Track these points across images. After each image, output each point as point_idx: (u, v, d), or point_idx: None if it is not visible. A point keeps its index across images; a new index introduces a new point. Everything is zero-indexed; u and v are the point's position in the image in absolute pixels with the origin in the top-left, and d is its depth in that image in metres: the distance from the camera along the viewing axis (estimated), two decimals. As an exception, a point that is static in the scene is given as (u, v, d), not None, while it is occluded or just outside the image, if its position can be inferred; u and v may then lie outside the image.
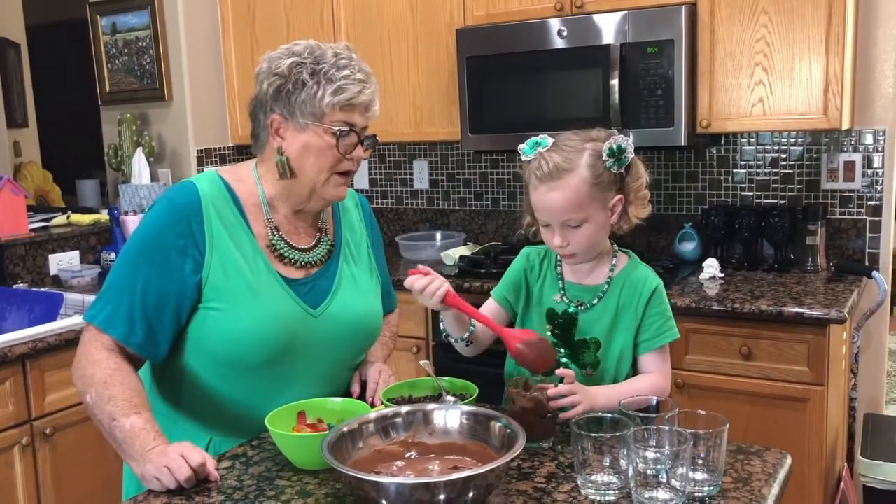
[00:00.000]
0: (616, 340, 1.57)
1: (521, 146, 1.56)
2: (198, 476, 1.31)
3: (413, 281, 1.47)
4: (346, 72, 1.48)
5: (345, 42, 1.58)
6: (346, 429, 1.29)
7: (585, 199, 1.50)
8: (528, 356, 1.46)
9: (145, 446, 1.34)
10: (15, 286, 2.89)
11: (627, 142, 1.51)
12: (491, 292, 1.70)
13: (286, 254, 1.55)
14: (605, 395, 1.47)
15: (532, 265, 1.66)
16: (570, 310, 1.55)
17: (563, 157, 1.50)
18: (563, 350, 1.53)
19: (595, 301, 1.58)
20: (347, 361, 1.64)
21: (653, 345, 1.57)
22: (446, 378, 1.58)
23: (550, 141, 1.53)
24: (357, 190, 3.80)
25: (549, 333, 1.55)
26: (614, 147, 1.49)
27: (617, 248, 1.63)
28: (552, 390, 1.41)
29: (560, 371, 1.46)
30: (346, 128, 1.49)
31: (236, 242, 1.50)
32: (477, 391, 1.53)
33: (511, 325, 1.66)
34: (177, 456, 1.31)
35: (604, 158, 1.49)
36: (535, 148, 1.53)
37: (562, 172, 1.49)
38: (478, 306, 1.60)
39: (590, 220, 1.51)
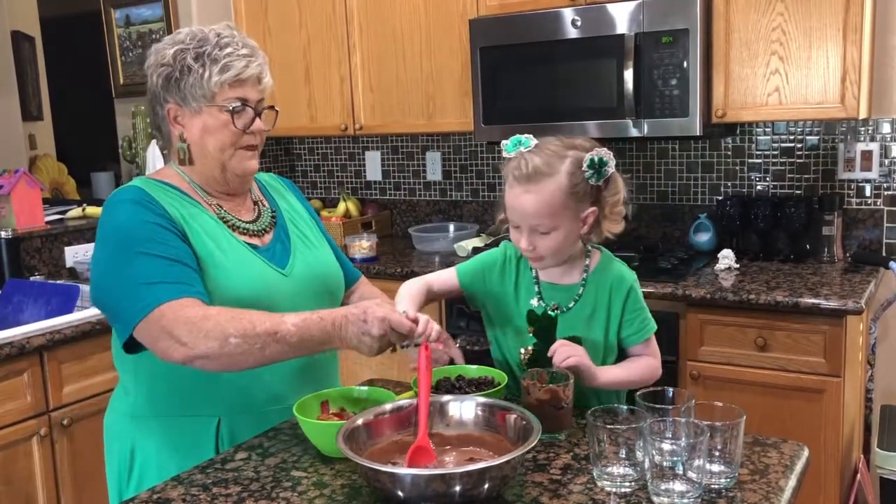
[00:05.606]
0: (596, 336, 1.57)
1: (503, 141, 1.53)
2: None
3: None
4: (229, 49, 1.51)
5: (225, 22, 1.60)
6: (361, 420, 1.30)
7: (559, 207, 1.47)
8: None
9: (333, 319, 1.37)
10: (31, 278, 2.92)
11: (609, 155, 1.49)
12: (457, 267, 1.68)
13: (238, 224, 1.58)
14: (606, 373, 1.53)
15: (508, 261, 1.64)
16: (550, 314, 1.56)
17: (544, 161, 1.47)
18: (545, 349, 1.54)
19: (571, 304, 1.57)
20: None
21: (637, 339, 1.59)
22: (474, 366, 1.59)
23: (534, 142, 1.51)
24: (370, 181, 3.82)
25: (530, 334, 1.57)
26: (596, 159, 1.46)
27: (589, 247, 1.61)
28: (554, 345, 1.47)
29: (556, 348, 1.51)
30: (239, 104, 1.52)
31: (196, 219, 1.53)
32: (506, 379, 1.53)
33: (460, 299, 1.69)
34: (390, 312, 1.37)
35: (584, 169, 1.47)
36: (517, 146, 1.51)
37: (540, 176, 1.47)
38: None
39: (559, 228, 1.49)
